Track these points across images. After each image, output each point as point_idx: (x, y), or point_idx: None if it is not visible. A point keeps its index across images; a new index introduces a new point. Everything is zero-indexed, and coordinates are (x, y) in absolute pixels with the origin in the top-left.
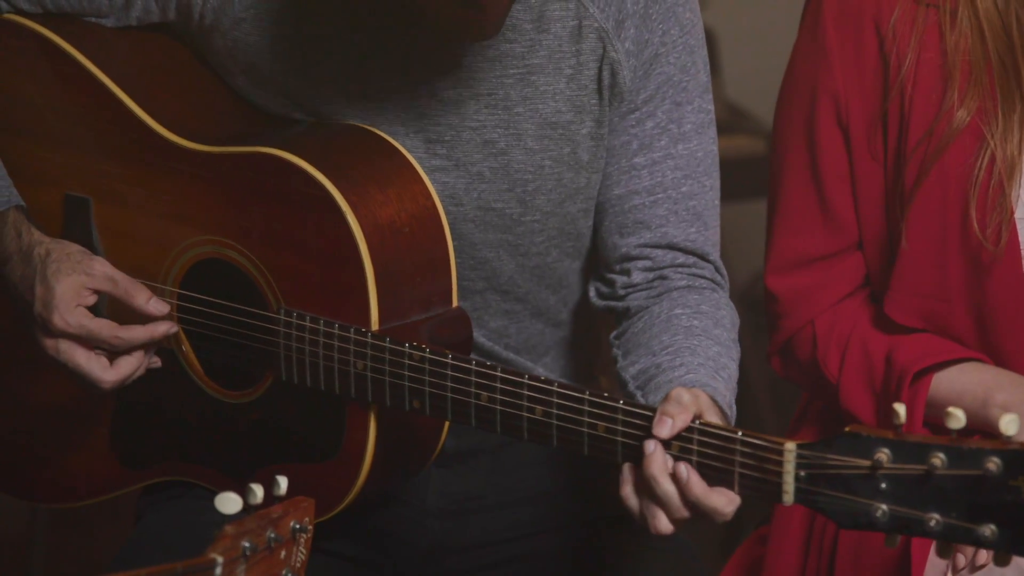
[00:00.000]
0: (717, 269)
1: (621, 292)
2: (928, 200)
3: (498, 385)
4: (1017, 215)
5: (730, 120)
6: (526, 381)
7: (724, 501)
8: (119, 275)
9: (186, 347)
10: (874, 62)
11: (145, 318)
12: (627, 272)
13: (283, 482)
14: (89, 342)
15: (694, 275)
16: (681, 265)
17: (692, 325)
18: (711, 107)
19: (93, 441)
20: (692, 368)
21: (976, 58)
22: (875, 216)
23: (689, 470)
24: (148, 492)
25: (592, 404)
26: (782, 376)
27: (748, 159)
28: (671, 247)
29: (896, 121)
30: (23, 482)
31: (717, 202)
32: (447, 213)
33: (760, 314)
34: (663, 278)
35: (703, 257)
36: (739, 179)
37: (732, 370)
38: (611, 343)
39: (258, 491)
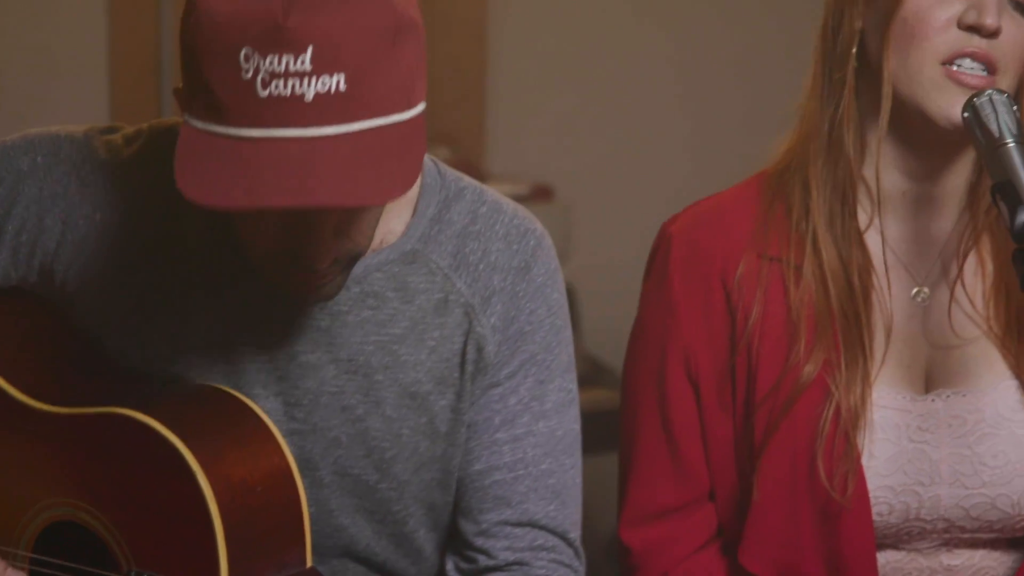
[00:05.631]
0: (577, 553)
1: (481, 569)
2: (777, 452)
3: None
4: (864, 463)
5: (589, 373)
6: None
7: None
8: None
9: None
10: (721, 316)
11: None
12: (486, 551)
13: None
14: None
15: (555, 561)
16: (542, 547)
17: None
18: (573, 387)
19: None
20: None
21: (821, 310)
22: (726, 467)
23: None
24: None
25: None
26: None
27: (607, 412)
28: (532, 525)
29: (744, 375)
30: None
31: (578, 481)
32: (304, 477)
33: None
34: (523, 563)
35: (563, 537)
36: (599, 432)
37: None
38: None
39: None
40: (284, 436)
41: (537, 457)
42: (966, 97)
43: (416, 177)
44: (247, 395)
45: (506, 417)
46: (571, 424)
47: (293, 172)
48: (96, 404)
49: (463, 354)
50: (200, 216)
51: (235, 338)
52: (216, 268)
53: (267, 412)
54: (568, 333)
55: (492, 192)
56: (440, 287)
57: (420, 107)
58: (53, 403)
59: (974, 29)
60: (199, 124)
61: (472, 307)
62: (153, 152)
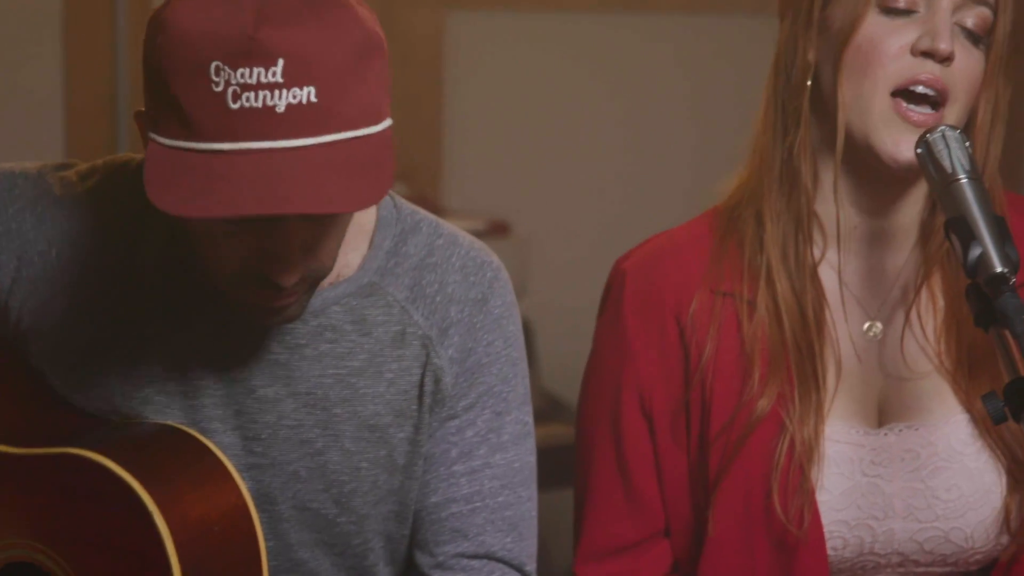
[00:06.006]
0: None
1: None
2: (732, 486)
3: None
4: (818, 497)
5: (546, 409)
6: None
7: None
8: None
9: None
10: (675, 352)
11: None
12: None
13: None
14: None
15: None
16: None
17: None
18: (530, 419)
19: None
20: None
21: (774, 344)
22: (681, 503)
23: None
24: None
25: None
26: None
27: (564, 447)
28: (489, 557)
29: (698, 410)
30: None
31: (534, 513)
32: (262, 512)
33: None
34: None
35: (520, 569)
36: (555, 467)
37: None
38: None
39: None
40: (242, 470)
41: (494, 489)
42: (914, 135)
43: (388, 188)
44: (204, 430)
45: (463, 449)
46: (527, 456)
47: (267, 182)
48: (52, 444)
49: (421, 386)
50: (157, 250)
51: (193, 373)
52: (173, 303)
53: (225, 447)
54: (524, 366)
55: (448, 225)
56: (398, 320)
57: (388, 122)
58: (9, 444)
59: (928, 55)
60: (168, 141)
61: (430, 339)
62: (108, 188)
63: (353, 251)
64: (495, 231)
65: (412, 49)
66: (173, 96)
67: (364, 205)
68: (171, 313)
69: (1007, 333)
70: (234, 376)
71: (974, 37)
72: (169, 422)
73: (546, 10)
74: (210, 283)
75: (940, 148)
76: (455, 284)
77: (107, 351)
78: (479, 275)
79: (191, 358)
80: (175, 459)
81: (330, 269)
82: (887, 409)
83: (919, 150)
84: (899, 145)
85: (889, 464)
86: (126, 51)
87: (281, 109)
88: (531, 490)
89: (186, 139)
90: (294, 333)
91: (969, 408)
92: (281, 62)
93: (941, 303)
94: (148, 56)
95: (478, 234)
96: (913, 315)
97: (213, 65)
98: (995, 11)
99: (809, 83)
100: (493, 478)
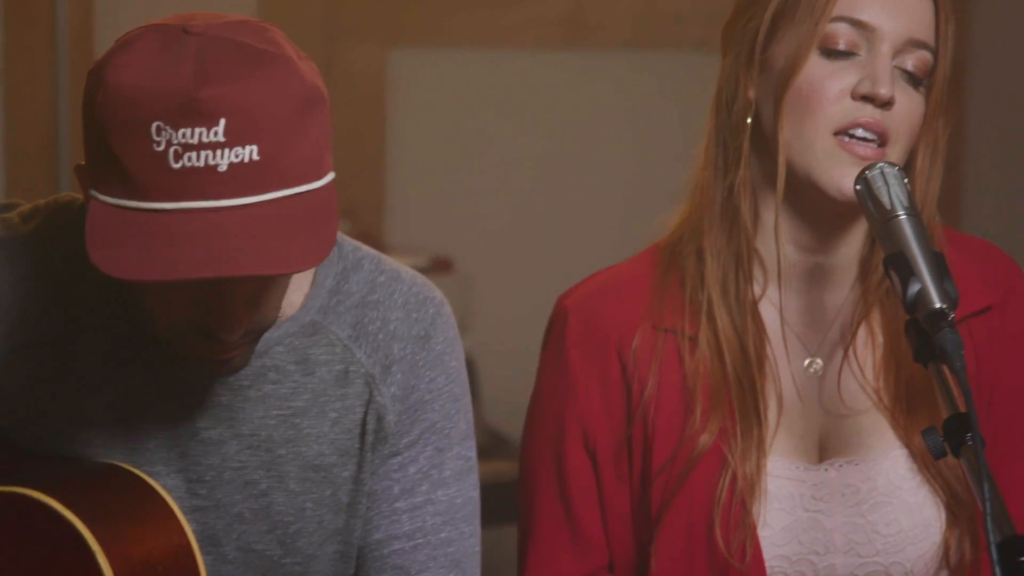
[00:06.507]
0: None
1: None
2: (675, 521)
3: None
4: (760, 532)
5: (489, 445)
6: None
7: None
8: None
9: None
10: (618, 388)
11: None
12: None
13: None
14: None
15: None
16: None
17: None
18: (473, 454)
19: None
20: None
21: (716, 380)
22: (625, 537)
23: None
24: None
25: None
26: None
27: (508, 484)
28: None
29: (640, 446)
30: None
31: (477, 549)
32: (207, 554)
33: None
34: None
35: None
36: (499, 503)
37: None
38: None
39: None
40: (187, 513)
41: (436, 526)
42: (858, 168)
43: (332, 244)
44: (148, 472)
45: (405, 486)
46: (470, 492)
47: (211, 243)
48: None
49: (363, 424)
50: (101, 292)
51: (136, 415)
52: (116, 345)
53: (169, 489)
54: (467, 401)
55: (390, 261)
56: (341, 358)
57: (330, 176)
58: None
59: (868, 99)
60: (109, 199)
61: (373, 377)
62: (52, 229)
63: (295, 290)
64: (438, 268)
65: (354, 86)
66: (114, 154)
67: (310, 264)
68: (113, 355)
69: (946, 368)
70: (177, 418)
71: (914, 79)
72: (113, 462)
73: (488, 47)
74: (152, 331)
75: (879, 185)
76: (397, 321)
77: (48, 393)
78: (421, 311)
79: (134, 401)
80: (118, 498)
81: (274, 321)
82: (827, 445)
83: (858, 186)
84: (844, 178)
85: (830, 499)
86: (67, 87)
87: (223, 168)
88: (474, 526)
89: (128, 198)
90: (238, 375)
91: (908, 443)
92: (223, 121)
93: (880, 339)
94: (88, 112)
95: (421, 270)
96: (852, 352)
97: (154, 125)
98: (935, 54)
99: (750, 121)
100: (435, 514)
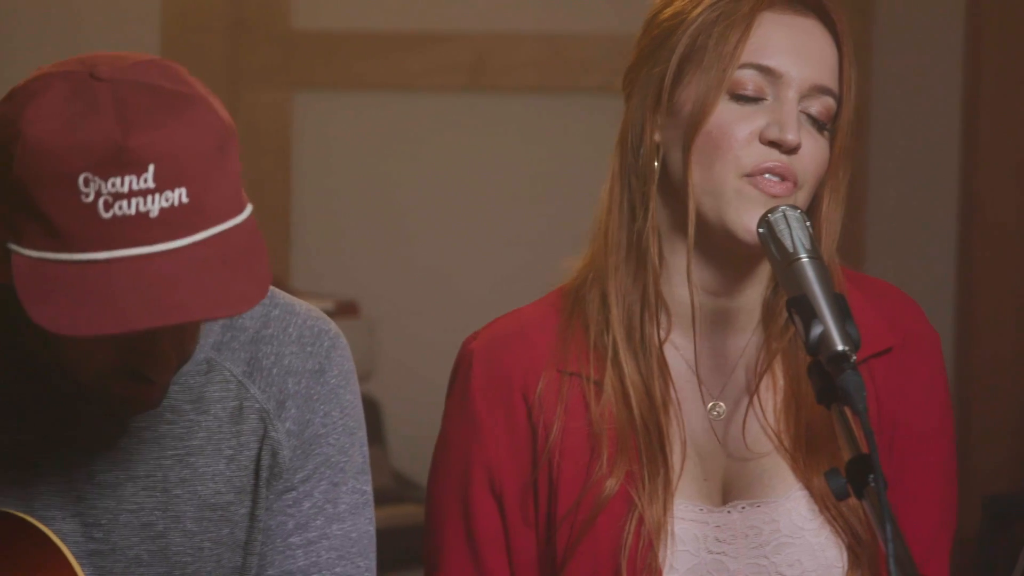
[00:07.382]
0: None
1: None
2: (580, 566)
3: None
4: (665, 575)
5: (394, 489)
6: None
7: None
8: None
9: None
10: (523, 431)
11: None
12: None
13: None
14: None
15: None
16: None
17: None
18: (368, 488)
19: None
20: None
21: (622, 424)
22: None
23: None
24: None
25: None
26: None
27: (413, 527)
28: None
29: (546, 490)
30: None
31: None
32: None
33: None
34: None
35: None
36: (405, 547)
37: None
38: None
39: None
40: (84, 557)
41: (331, 561)
42: (767, 206)
43: (269, 273)
44: (42, 517)
45: (300, 521)
46: (366, 526)
47: (151, 290)
48: None
49: (258, 460)
50: None
51: (31, 461)
52: (12, 391)
53: (64, 534)
54: (362, 434)
55: (284, 295)
56: (235, 395)
57: (250, 208)
58: None
59: (775, 144)
60: (33, 253)
61: (267, 412)
62: None
63: None
64: (344, 311)
65: (259, 130)
66: (36, 207)
67: (257, 300)
68: (7, 401)
69: (848, 410)
70: (72, 463)
71: (819, 124)
72: (4, 508)
73: (393, 90)
74: (67, 376)
75: (781, 228)
76: (292, 356)
77: None
78: (316, 345)
79: (30, 447)
80: (9, 546)
81: (193, 352)
82: (731, 487)
83: (761, 229)
84: (754, 219)
85: (733, 541)
86: None
87: (155, 214)
88: (369, 560)
89: (55, 250)
90: (134, 417)
91: (808, 485)
92: (152, 167)
93: (781, 383)
94: (3, 165)
95: (327, 314)
96: (755, 396)
97: (82, 176)
98: (839, 101)
99: (657, 164)
100: (330, 549)
